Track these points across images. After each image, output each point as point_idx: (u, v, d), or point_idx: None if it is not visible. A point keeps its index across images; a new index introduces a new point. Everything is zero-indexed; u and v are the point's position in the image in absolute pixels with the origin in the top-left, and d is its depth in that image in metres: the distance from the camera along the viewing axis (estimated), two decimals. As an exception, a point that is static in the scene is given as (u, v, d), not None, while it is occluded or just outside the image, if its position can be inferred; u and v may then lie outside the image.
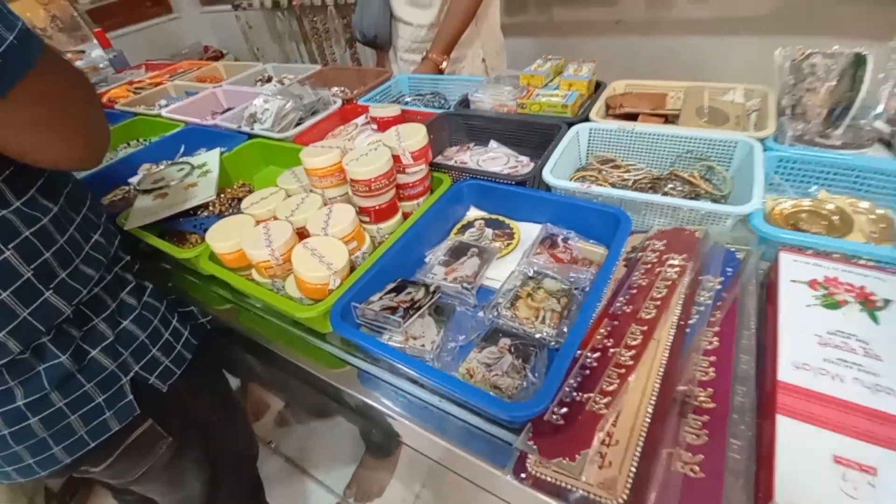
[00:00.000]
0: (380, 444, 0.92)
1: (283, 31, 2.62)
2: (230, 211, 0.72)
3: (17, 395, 0.49)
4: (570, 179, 0.64)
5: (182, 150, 0.92)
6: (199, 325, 0.70)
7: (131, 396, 0.56)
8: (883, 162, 0.55)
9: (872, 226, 0.50)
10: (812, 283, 0.42)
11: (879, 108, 0.62)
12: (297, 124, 0.90)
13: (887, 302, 0.40)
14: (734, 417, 0.35)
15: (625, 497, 0.31)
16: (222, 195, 0.74)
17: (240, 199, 0.73)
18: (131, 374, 0.56)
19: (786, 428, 0.33)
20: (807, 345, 0.37)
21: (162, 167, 0.85)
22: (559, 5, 1.98)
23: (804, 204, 0.52)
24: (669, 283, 0.45)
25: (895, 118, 0.61)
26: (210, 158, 0.82)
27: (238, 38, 2.84)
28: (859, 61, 0.58)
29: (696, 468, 0.33)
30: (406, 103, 0.99)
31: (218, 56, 2.68)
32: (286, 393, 0.79)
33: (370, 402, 0.48)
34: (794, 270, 0.44)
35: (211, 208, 0.71)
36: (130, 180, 0.88)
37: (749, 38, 1.66)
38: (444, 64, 1.11)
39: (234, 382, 0.92)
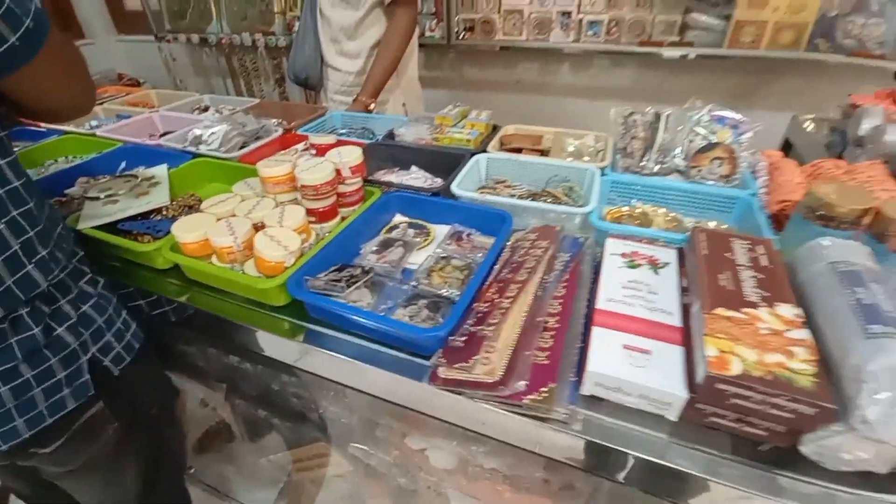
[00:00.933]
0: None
1: (210, 66, 2.68)
2: (183, 215, 0.81)
3: None
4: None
5: (123, 165, 0.99)
6: (146, 319, 0.76)
7: (88, 376, 0.62)
8: (675, 184, 0.82)
9: (666, 223, 0.76)
10: (623, 255, 0.64)
11: (678, 150, 0.91)
12: (241, 148, 1.02)
13: (665, 263, 0.63)
14: (572, 333, 0.54)
15: (500, 376, 0.48)
16: (174, 202, 0.83)
17: (190, 207, 0.83)
18: (89, 354, 0.63)
19: (598, 333, 0.52)
20: (615, 288, 0.58)
21: (104, 179, 0.91)
22: (471, 66, 2.32)
23: (624, 210, 0.77)
24: (537, 258, 0.65)
25: (688, 155, 0.90)
26: (158, 172, 0.90)
27: (154, 68, 2.83)
28: (657, 119, 0.87)
29: (545, 359, 0.51)
30: (340, 134, 1.16)
31: (135, 84, 2.64)
32: (228, 383, 0.85)
33: (315, 348, 0.59)
34: (614, 248, 0.66)
35: (164, 213, 0.79)
36: (67, 191, 0.92)
37: (609, 101, 2.08)
38: (372, 105, 1.31)
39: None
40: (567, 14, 1.87)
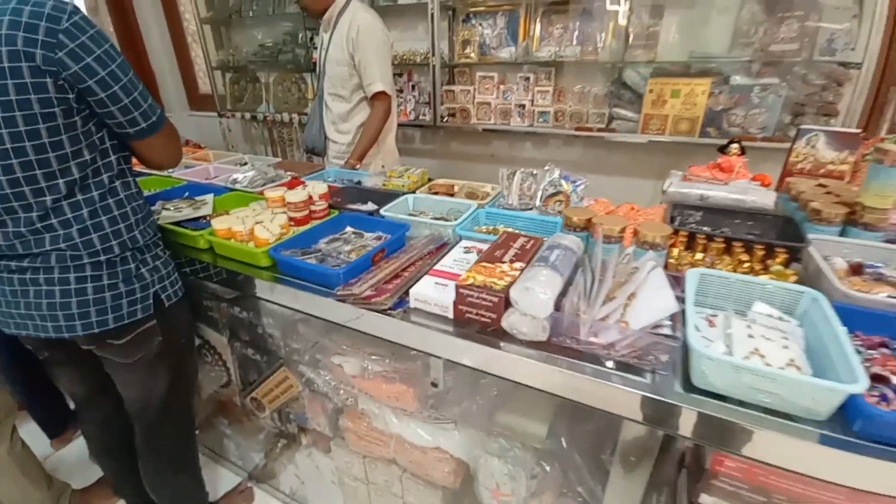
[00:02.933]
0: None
1: (256, 136, 3.41)
2: (218, 221, 1.31)
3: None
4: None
5: (186, 194, 1.53)
6: (188, 279, 1.24)
7: (151, 301, 1.08)
8: (522, 213, 1.27)
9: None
10: (465, 248, 1.08)
11: (538, 195, 1.37)
12: (261, 186, 1.55)
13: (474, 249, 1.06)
14: (415, 280, 0.98)
15: (367, 293, 0.92)
16: (214, 213, 1.34)
17: (221, 215, 1.34)
18: (155, 288, 1.09)
19: (427, 278, 0.95)
20: (449, 261, 1.02)
21: (175, 201, 1.44)
22: (456, 142, 2.91)
23: (490, 228, 1.22)
24: (419, 247, 1.10)
25: (542, 198, 1.35)
26: (207, 197, 1.43)
27: (215, 136, 3.57)
28: (528, 176, 1.34)
29: (392, 287, 0.94)
30: (332, 182, 1.68)
31: (198, 147, 3.37)
32: (230, 331, 1.30)
33: (278, 286, 1.04)
34: (464, 244, 1.10)
35: (208, 217, 1.30)
36: (153, 208, 1.45)
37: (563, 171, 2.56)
38: (358, 166, 1.85)
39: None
40: (522, 106, 2.44)
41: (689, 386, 0.71)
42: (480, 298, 0.83)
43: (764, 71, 1.97)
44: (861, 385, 0.59)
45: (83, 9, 3.02)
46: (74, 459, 1.81)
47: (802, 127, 1.34)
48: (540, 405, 1.05)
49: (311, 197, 1.23)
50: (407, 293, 0.93)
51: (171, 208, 1.36)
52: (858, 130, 1.34)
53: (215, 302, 1.29)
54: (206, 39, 3.29)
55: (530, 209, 1.32)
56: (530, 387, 0.80)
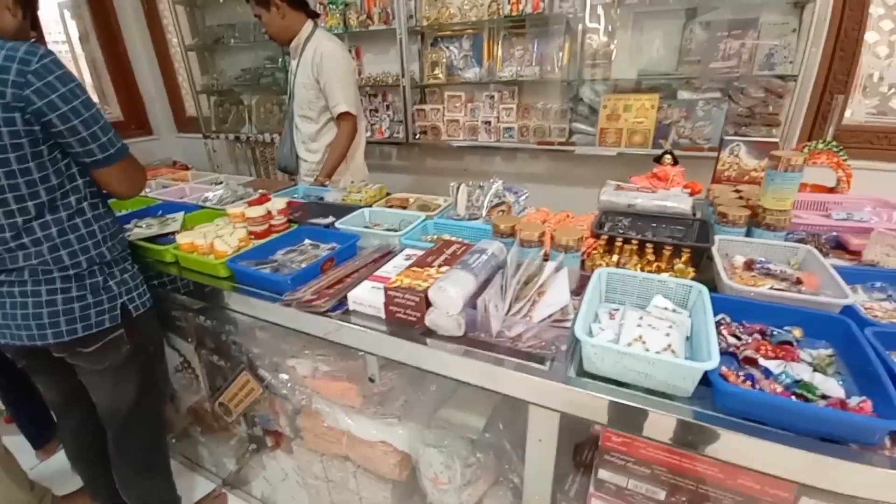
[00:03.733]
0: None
1: (240, 155, 3.53)
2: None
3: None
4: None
5: (160, 212, 1.63)
6: (156, 290, 1.33)
7: (119, 311, 1.17)
8: (466, 223, 1.37)
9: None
10: (406, 255, 1.18)
11: (485, 205, 1.47)
12: (231, 203, 1.65)
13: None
14: (353, 285, 1.07)
15: (309, 297, 1.01)
16: (182, 229, 1.43)
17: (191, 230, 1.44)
18: (123, 298, 1.18)
19: (366, 283, 1.05)
20: (390, 267, 1.11)
21: (148, 218, 1.54)
22: (430, 158, 3.03)
23: (436, 237, 1.32)
24: (365, 256, 1.19)
25: (487, 209, 1.45)
26: (177, 215, 1.53)
27: (201, 156, 3.70)
28: (476, 189, 1.45)
29: (333, 291, 1.03)
30: (301, 197, 1.79)
31: (184, 168, 3.49)
32: (197, 339, 1.38)
33: (234, 294, 1.13)
34: (406, 252, 1.19)
35: (177, 233, 1.40)
36: (126, 226, 1.55)
37: (531, 183, 2.70)
38: (327, 182, 1.96)
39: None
40: (488, 123, 2.57)
41: (581, 371, 0.80)
42: (406, 299, 0.93)
43: (707, 86, 2.10)
44: (712, 363, 0.68)
45: (74, 36, 3.14)
46: (58, 469, 1.88)
47: (726, 138, 1.45)
48: (479, 399, 1.13)
49: (269, 212, 1.33)
50: (346, 297, 1.02)
51: (143, 225, 1.46)
52: (775, 139, 1.46)
53: (182, 312, 1.38)
54: (192, 65, 3.43)
55: (477, 219, 1.42)
56: (448, 377, 0.88)
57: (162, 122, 3.96)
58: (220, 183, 2.00)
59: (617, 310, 0.93)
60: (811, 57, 1.93)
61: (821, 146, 1.37)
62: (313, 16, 2.03)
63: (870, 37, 2.03)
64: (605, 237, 1.13)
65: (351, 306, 1.01)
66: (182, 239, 1.25)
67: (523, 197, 1.45)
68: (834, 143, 1.38)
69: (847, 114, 2.16)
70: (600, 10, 2.19)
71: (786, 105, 2.03)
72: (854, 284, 0.97)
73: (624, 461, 0.80)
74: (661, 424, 0.71)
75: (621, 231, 1.23)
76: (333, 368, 1.14)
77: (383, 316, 0.98)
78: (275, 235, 1.34)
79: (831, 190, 1.44)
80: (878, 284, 0.98)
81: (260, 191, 1.81)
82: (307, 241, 1.38)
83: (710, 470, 0.74)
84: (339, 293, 1.03)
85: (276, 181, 2.36)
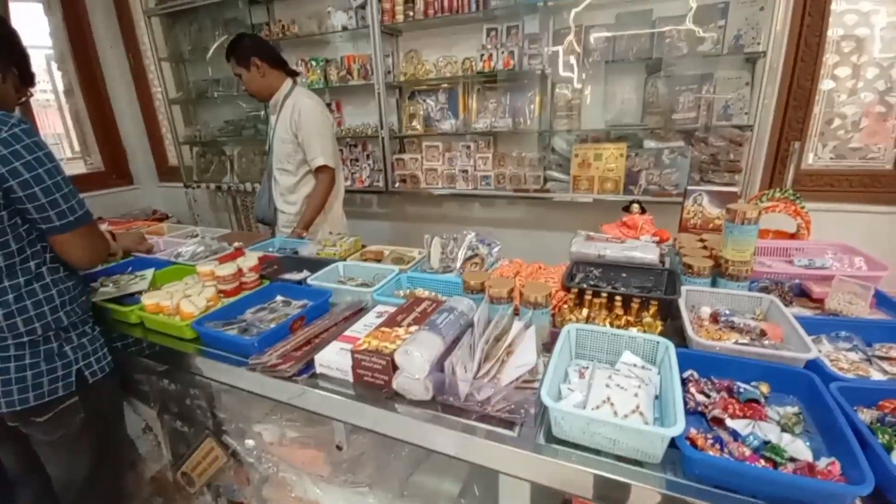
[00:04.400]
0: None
1: (220, 204, 3.53)
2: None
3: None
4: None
5: (130, 269, 1.59)
6: (118, 353, 1.28)
7: (74, 378, 1.12)
8: (442, 276, 1.37)
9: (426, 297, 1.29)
10: (378, 313, 1.16)
11: (460, 258, 1.47)
12: (204, 258, 1.63)
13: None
14: (323, 344, 1.05)
15: (274, 361, 0.98)
16: (150, 288, 1.40)
17: (159, 289, 1.41)
18: (79, 364, 1.14)
19: (335, 343, 1.03)
20: (360, 326, 1.09)
21: (116, 276, 1.51)
22: (410, 205, 3.07)
23: (408, 291, 1.31)
24: (335, 314, 1.18)
25: (461, 261, 1.45)
26: (147, 272, 1.50)
27: (182, 207, 3.69)
28: (449, 242, 1.46)
29: (299, 354, 1.01)
30: (278, 251, 1.78)
31: (163, 217, 3.48)
32: (160, 403, 1.31)
33: (200, 357, 1.10)
34: (378, 308, 1.18)
35: (143, 293, 1.36)
36: (92, 284, 1.51)
37: (509, 229, 2.73)
38: (305, 234, 1.96)
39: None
40: (466, 171, 2.64)
41: (551, 436, 0.78)
42: (372, 362, 0.91)
43: (671, 136, 2.20)
44: (677, 429, 0.67)
45: (59, 89, 3.17)
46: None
47: (689, 188, 1.51)
48: (455, 462, 1.09)
49: (240, 269, 1.31)
50: (314, 359, 1.00)
51: (110, 284, 1.42)
52: (734, 189, 1.52)
53: (146, 375, 1.32)
54: (175, 117, 3.49)
55: (451, 272, 1.42)
56: (416, 445, 0.85)
57: (144, 171, 3.97)
58: (197, 236, 1.98)
59: (587, 367, 0.92)
60: (765, 108, 2.06)
61: (777, 195, 1.43)
62: (292, 74, 2.10)
63: (825, 84, 2.16)
64: (575, 291, 1.13)
65: (318, 369, 0.99)
66: (148, 300, 1.22)
67: (496, 249, 1.46)
68: (790, 191, 1.44)
69: (810, 158, 2.27)
70: (567, 66, 2.31)
71: (745, 152, 2.13)
72: (818, 335, 0.99)
73: (598, 532, 0.76)
74: (631, 494, 0.69)
75: (592, 282, 1.24)
76: (301, 434, 1.09)
77: (351, 379, 0.95)
78: (246, 293, 1.32)
79: (793, 235, 1.49)
80: (842, 334, 1.00)
81: (235, 244, 1.79)
82: (279, 298, 1.36)
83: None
84: (306, 356, 1.01)
85: (250, 233, 2.36)
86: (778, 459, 0.68)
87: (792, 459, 0.69)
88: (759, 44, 2.01)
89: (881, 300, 1.11)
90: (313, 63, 2.89)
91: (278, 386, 0.97)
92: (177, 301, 1.20)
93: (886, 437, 0.72)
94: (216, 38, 3.21)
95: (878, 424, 0.76)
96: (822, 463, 0.68)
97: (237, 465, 1.26)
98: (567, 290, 1.16)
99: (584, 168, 2.32)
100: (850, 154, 2.22)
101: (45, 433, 1.13)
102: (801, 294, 1.18)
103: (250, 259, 1.35)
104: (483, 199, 2.79)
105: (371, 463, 1.07)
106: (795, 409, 0.78)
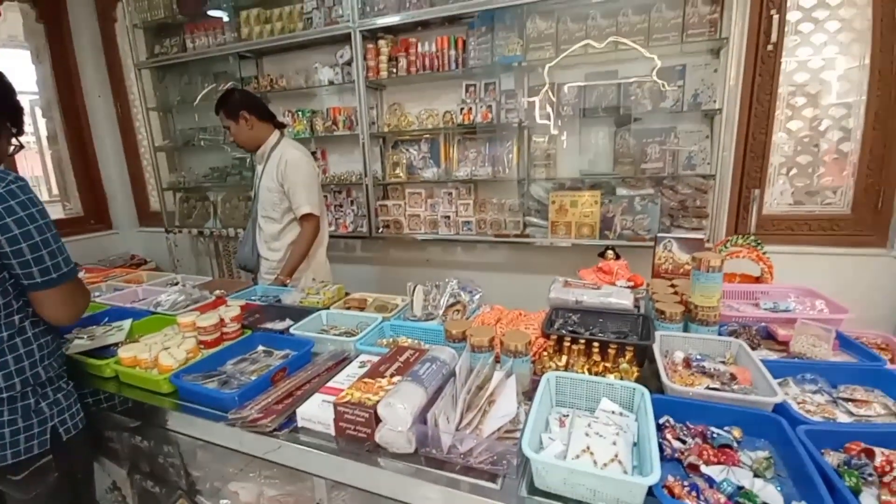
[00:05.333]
0: None
1: (203, 249, 3.51)
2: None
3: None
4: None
5: (106, 319, 1.56)
6: (90, 409, 1.24)
7: (49, 435, 1.08)
8: (423, 324, 1.38)
9: (410, 345, 1.30)
10: (361, 362, 1.17)
11: (442, 305, 1.50)
12: (185, 307, 1.61)
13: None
14: (305, 397, 1.04)
15: (254, 416, 0.97)
16: (127, 339, 1.38)
17: (136, 341, 1.38)
18: (54, 422, 1.10)
19: (317, 396, 1.02)
20: (343, 377, 1.09)
21: (91, 327, 1.48)
22: (394, 250, 3.11)
23: (391, 340, 1.32)
24: (318, 364, 1.17)
25: (443, 308, 1.48)
26: (124, 323, 1.48)
27: (162, 252, 3.65)
28: (433, 288, 1.49)
29: (280, 407, 1.00)
30: (260, 299, 1.77)
31: (142, 263, 3.43)
32: (131, 461, 1.26)
33: (176, 413, 1.07)
34: (361, 358, 1.18)
35: (120, 345, 1.34)
36: (66, 336, 1.48)
37: (491, 272, 2.78)
38: (288, 281, 1.96)
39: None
40: (448, 217, 2.71)
41: (533, 488, 0.79)
42: (355, 415, 0.91)
43: (641, 184, 2.33)
44: (653, 478, 0.69)
45: (42, 134, 3.19)
46: None
47: (659, 235, 1.59)
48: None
49: (222, 320, 1.31)
50: (295, 413, 0.99)
51: (84, 336, 1.39)
52: (700, 236, 1.61)
53: (116, 432, 1.27)
54: (160, 164, 3.52)
55: (433, 319, 1.44)
56: (399, 500, 0.84)
57: (124, 216, 3.94)
58: (177, 283, 1.97)
59: (567, 415, 0.94)
60: (724, 159, 2.20)
61: (740, 241, 1.52)
62: (280, 126, 2.18)
63: (779, 136, 2.34)
64: (555, 337, 1.17)
65: (300, 423, 0.98)
66: (124, 353, 1.20)
67: (477, 296, 1.50)
68: (752, 238, 1.53)
69: (773, 204, 2.41)
70: (543, 119, 2.46)
71: (710, 199, 2.26)
72: (785, 377, 1.03)
73: (583, 588, 0.76)
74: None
75: (571, 328, 1.28)
76: (280, 493, 1.06)
77: (333, 433, 0.94)
78: (227, 343, 1.31)
79: (758, 279, 1.57)
80: (808, 376, 1.04)
81: (217, 292, 1.79)
82: (261, 348, 1.35)
83: None
84: (287, 409, 1.00)
85: (232, 281, 2.35)
86: (751, 506, 0.70)
87: (765, 505, 0.71)
88: (714, 101, 2.19)
89: (843, 342, 1.17)
90: (300, 114, 3.00)
91: (258, 441, 0.96)
92: (155, 354, 1.18)
93: (853, 479, 0.75)
94: (205, 88, 3.31)
95: (845, 467, 0.79)
96: (794, 508, 0.70)
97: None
98: (546, 336, 1.19)
99: (561, 214, 2.42)
100: (808, 200, 2.37)
101: (21, 492, 1.08)
102: (768, 336, 1.24)
103: (233, 309, 1.35)
104: (465, 243, 2.85)
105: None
106: (766, 454, 0.81)
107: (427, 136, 2.78)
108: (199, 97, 3.34)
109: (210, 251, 3.47)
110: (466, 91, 2.64)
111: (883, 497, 0.72)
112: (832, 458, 0.80)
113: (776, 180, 2.41)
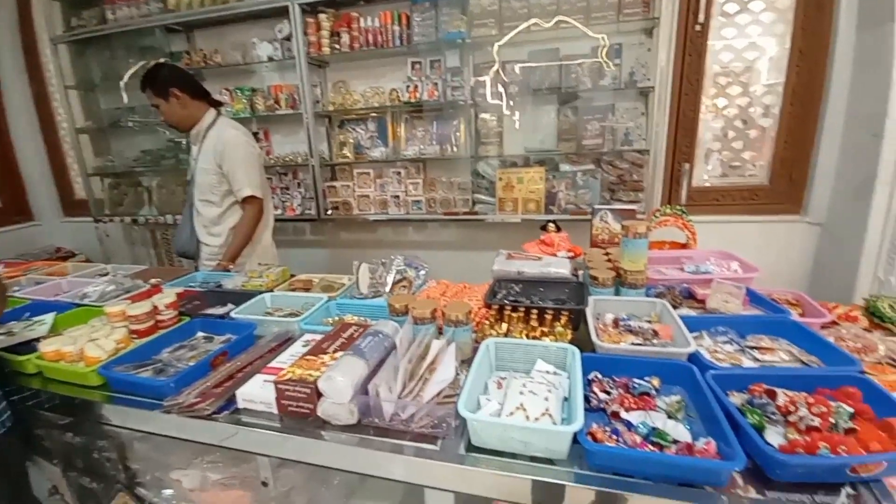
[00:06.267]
0: None
1: (138, 239, 3.30)
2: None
3: None
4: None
5: (27, 314, 1.45)
6: (17, 407, 1.16)
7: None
8: (369, 301, 1.39)
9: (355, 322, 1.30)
10: (304, 342, 1.16)
11: (389, 282, 1.51)
12: (114, 298, 1.53)
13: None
14: (245, 378, 1.03)
15: (192, 401, 0.94)
16: (51, 333, 1.29)
17: (60, 334, 1.30)
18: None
19: (258, 377, 1.01)
20: (286, 356, 1.09)
21: (12, 323, 1.37)
22: (344, 232, 3.07)
23: (337, 318, 1.32)
24: (261, 346, 1.16)
25: (390, 285, 1.49)
26: (47, 317, 1.38)
27: (92, 243, 3.41)
28: (379, 266, 1.49)
29: (219, 390, 0.98)
30: (200, 285, 1.70)
31: (70, 255, 3.19)
32: (65, 460, 1.20)
33: (108, 405, 1.03)
34: (303, 338, 1.18)
35: (42, 339, 1.25)
36: (-21, 334, 1.36)
37: (443, 251, 2.81)
38: (231, 267, 1.90)
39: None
40: (397, 197, 2.70)
41: (471, 446, 0.83)
42: (296, 391, 0.91)
43: (582, 160, 2.41)
44: (577, 425, 0.75)
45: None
46: None
47: (595, 206, 1.67)
48: (391, 485, 1.10)
49: (155, 307, 1.26)
50: (235, 395, 0.97)
51: (3, 333, 1.29)
52: (632, 206, 1.70)
53: (46, 430, 1.21)
54: (84, 147, 3.25)
55: (380, 296, 1.45)
56: (340, 470, 0.86)
57: (46, 205, 3.62)
58: (107, 274, 1.85)
59: (505, 378, 0.98)
60: (657, 134, 2.32)
61: (668, 211, 1.62)
62: (215, 104, 2.07)
63: (707, 113, 2.48)
64: (496, 307, 1.21)
65: (241, 404, 0.97)
66: (46, 347, 1.13)
67: (423, 271, 1.51)
68: (679, 207, 1.64)
69: (704, 176, 2.57)
70: (489, 98, 2.48)
71: (646, 174, 2.38)
72: (700, 331, 1.13)
73: (519, 533, 0.81)
74: (543, 491, 0.75)
75: (512, 298, 1.33)
76: (224, 476, 1.05)
77: (276, 411, 0.94)
78: (162, 332, 1.26)
79: (684, 245, 1.69)
80: (720, 329, 1.14)
81: (152, 281, 1.70)
82: (200, 335, 1.31)
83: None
84: (227, 392, 0.98)
85: (169, 268, 2.24)
86: (663, 443, 0.77)
87: (675, 442, 0.78)
88: (649, 79, 2.29)
89: (754, 298, 1.29)
90: (238, 92, 2.85)
91: (198, 427, 0.94)
92: (80, 346, 1.12)
93: (756, 417, 0.84)
94: (131, 65, 3.07)
95: (748, 406, 0.88)
96: (700, 443, 0.78)
97: (155, 517, 1.17)
98: (489, 306, 1.23)
99: (508, 191, 2.47)
100: (731, 172, 2.55)
101: None
102: (689, 296, 1.34)
103: (167, 296, 1.29)
104: (416, 223, 2.85)
105: (302, 497, 1.05)
106: (678, 398, 0.89)
107: (374, 114, 2.74)
108: (126, 75, 3.09)
109: (147, 240, 3.27)
110: (412, 68, 2.60)
111: (789, 435, 0.78)
112: (736, 399, 0.90)
113: (706, 156, 2.57)
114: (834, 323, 1.22)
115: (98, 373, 1.07)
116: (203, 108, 2.00)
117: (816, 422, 0.78)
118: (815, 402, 0.83)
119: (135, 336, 1.22)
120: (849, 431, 0.77)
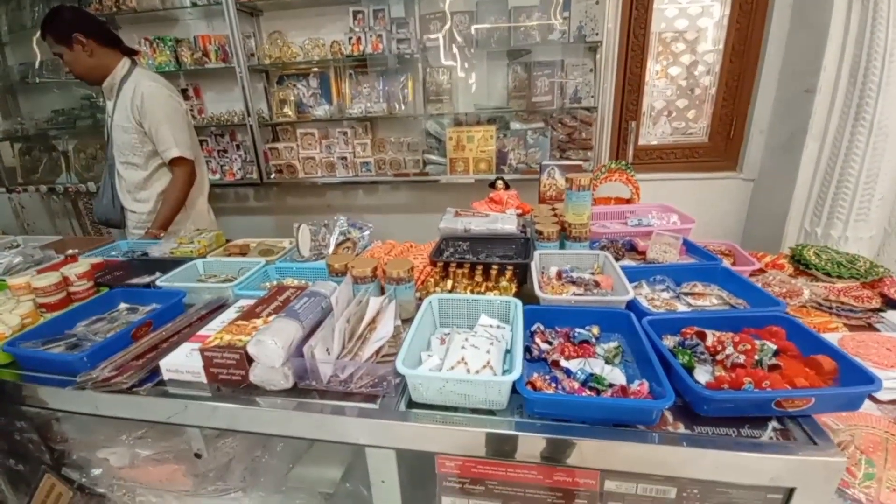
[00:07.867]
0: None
1: (58, 210, 3.00)
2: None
3: None
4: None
5: (-86, 293, 1.28)
6: None
7: None
8: (310, 264, 1.33)
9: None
10: (238, 308, 1.09)
11: (332, 243, 1.44)
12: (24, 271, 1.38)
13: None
14: (173, 348, 0.96)
15: (107, 375, 0.87)
16: (-57, 312, 1.15)
17: (-42, 314, 1.16)
18: None
19: (185, 345, 0.94)
20: (216, 323, 1.02)
21: None
22: (291, 196, 2.92)
23: (276, 283, 1.25)
24: (190, 315, 1.08)
25: (333, 247, 1.43)
26: (-61, 294, 1.22)
27: (6, 216, 3.07)
28: (321, 227, 1.41)
29: (140, 363, 0.91)
30: (126, 254, 1.56)
31: (-22, 231, 2.85)
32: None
33: (16, 384, 0.93)
34: (238, 303, 1.11)
35: (-69, 319, 1.11)
36: None
37: (394, 214, 2.74)
38: (162, 235, 1.75)
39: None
40: (345, 158, 2.58)
41: (412, 403, 0.81)
42: (225, 358, 0.85)
43: (532, 118, 2.38)
44: (514, 374, 0.74)
45: None
46: None
47: (543, 163, 1.65)
48: (337, 448, 1.08)
49: (66, 279, 1.14)
50: (159, 366, 0.91)
51: None
52: (579, 162, 1.70)
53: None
54: (-18, 108, 2.86)
55: (324, 258, 1.39)
56: (277, 435, 0.83)
57: (-57, 176, 3.20)
58: (16, 246, 1.66)
59: (448, 334, 0.97)
60: (605, 92, 2.32)
61: (613, 166, 1.63)
62: (129, 53, 1.84)
63: (652, 71, 2.50)
64: (441, 264, 1.18)
65: (165, 375, 0.90)
66: (-65, 326, 1.00)
67: (367, 232, 1.46)
68: (623, 162, 1.66)
69: (650, 135, 2.62)
70: (435, 52, 2.37)
71: (594, 131, 2.39)
72: (640, 280, 1.16)
73: (461, 483, 0.82)
74: (485, 441, 0.75)
75: (459, 255, 1.31)
76: (155, 451, 0.99)
77: (205, 380, 0.88)
78: (77, 304, 1.15)
79: (629, 200, 1.72)
80: (658, 278, 1.18)
81: (69, 252, 1.54)
82: (123, 306, 1.20)
83: (531, 474, 0.79)
84: (149, 363, 0.91)
85: (88, 238, 2.05)
86: (600, 387, 0.79)
87: (611, 386, 0.80)
88: (597, 34, 2.25)
89: (690, 248, 1.34)
90: (160, 43, 2.57)
91: (118, 402, 0.87)
92: (-22, 322, 1.00)
93: (686, 357, 0.87)
94: (37, 14, 2.68)
95: (679, 348, 0.91)
96: (634, 385, 0.80)
97: (87, 499, 1.10)
98: (434, 264, 1.20)
99: (459, 150, 2.41)
100: (675, 131, 2.61)
101: None
102: (632, 249, 1.37)
103: (80, 265, 1.17)
104: (366, 185, 2.76)
105: (241, 466, 1.02)
106: (616, 344, 0.91)
107: (315, 69, 2.56)
108: (28, 25, 2.71)
109: (68, 210, 2.98)
110: (354, 18, 2.43)
111: (717, 373, 0.81)
112: (669, 342, 0.93)
113: (651, 115, 2.61)
114: (762, 271, 1.29)
115: (3, 350, 0.96)
116: (115, 56, 1.78)
117: (742, 359, 0.82)
118: (741, 341, 0.86)
119: (44, 310, 1.10)
120: (773, 368, 0.81)
